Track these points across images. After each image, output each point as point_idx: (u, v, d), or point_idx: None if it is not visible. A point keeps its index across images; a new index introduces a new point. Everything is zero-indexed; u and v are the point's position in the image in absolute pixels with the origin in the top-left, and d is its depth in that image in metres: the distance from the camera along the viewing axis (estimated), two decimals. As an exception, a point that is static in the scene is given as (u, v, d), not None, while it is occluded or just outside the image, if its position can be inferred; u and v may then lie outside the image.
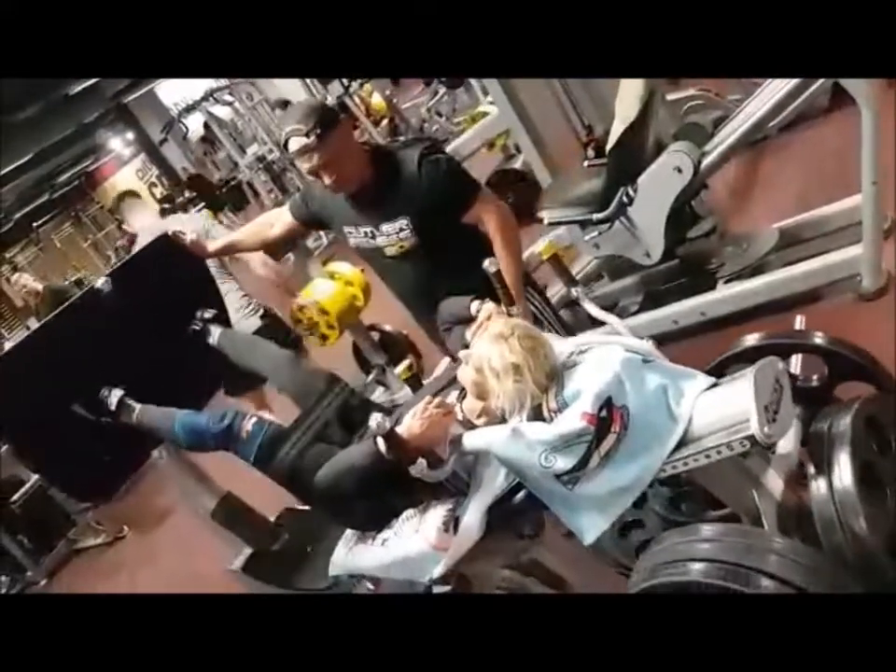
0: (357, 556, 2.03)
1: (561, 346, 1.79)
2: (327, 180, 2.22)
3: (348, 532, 2.11)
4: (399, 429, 1.75)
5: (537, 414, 1.64)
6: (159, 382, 2.35)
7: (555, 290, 3.37)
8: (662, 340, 2.13)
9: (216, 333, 2.63)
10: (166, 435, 2.31)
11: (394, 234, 2.31)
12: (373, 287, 3.65)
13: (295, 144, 2.16)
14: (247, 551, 2.47)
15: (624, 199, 2.76)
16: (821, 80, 2.80)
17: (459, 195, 2.30)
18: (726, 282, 3.00)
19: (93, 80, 10.41)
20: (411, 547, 1.84)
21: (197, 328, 2.63)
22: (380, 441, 1.73)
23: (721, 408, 1.53)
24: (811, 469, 1.49)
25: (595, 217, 2.82)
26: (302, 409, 2.28)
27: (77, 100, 11.29)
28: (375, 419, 1.71)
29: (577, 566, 1.92)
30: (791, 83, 2.67)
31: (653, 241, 2.83)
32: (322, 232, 8.52)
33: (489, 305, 1.97)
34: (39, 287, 5.50)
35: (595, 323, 2.92)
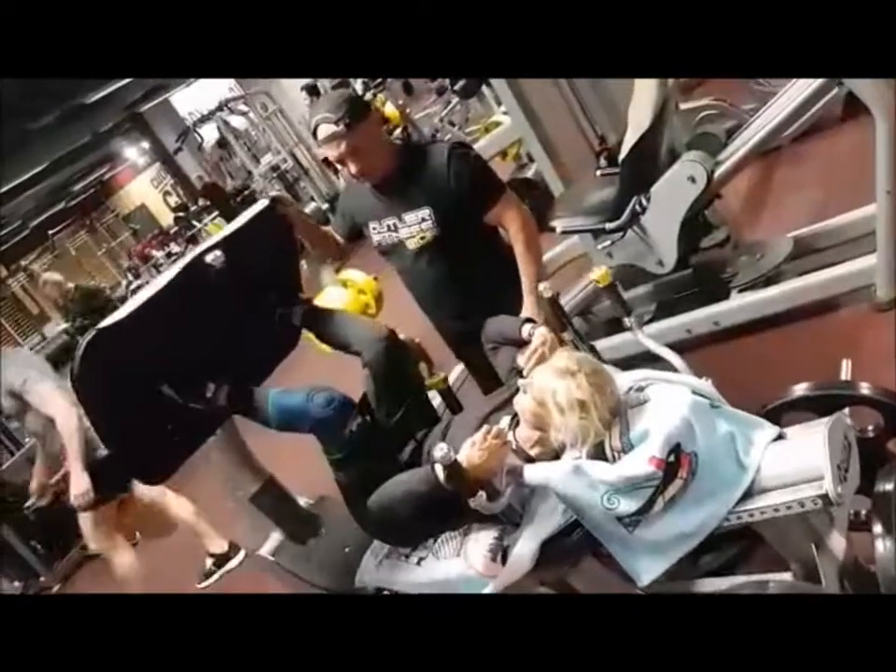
0: (387, 571, 2.01)
1: (619, 380, 1.75)
2: (352, 168, 2.25)
3: (377, 543, 2.08)
4: (458, 458, 1.68)
5: (598, 452, 1.61)
6: (241, 359, 2.19)
7: (569, 298, 3.38)
8: (675, 349, 2.12)
9: (298, 313, 2.43)
10: (258, 415, 2.13)
11: (416, 225, 2.32)
12: (386, 295, 3.66)
13: (324, 131, 2.19)
14: (276, 536, 2.38)
15: (637, 208, 2.75)
16: (835, 90, 2.80)
17: (484, 192, 2.31)
18: (740, 291, 2.99)
19: (109, 89, 10.49)
20: (451, 570, 1.83)
21: (286, 310, 2.42)
22: (439, 469, 1.68)
23: (792, 462, 1.52)
24: (876, 528, 1.45)
25: (608, 225, 2.81)
26: (378, 397, 2.18)
27: (93, 109, 11.38)
28: (441, 450, 1.63)
29: (605, 587, 1.89)
30: (804, 93, 2.66)
31: (667, 250, 2.83)
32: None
33: (543, 330, 1.90)
34: (67, 283, 5.62)
35: (612, 332, 2.92)
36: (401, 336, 3.75)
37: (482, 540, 1.81)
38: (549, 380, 1.66)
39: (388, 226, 2.38)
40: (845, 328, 2.67)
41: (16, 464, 5.47)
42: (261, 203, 2.34)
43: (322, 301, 3.53)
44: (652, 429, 1.56)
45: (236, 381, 2.13)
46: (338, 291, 3.57)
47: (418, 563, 1.92)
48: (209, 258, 2.10)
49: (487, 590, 1.77)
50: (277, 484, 2.42)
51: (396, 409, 2.17)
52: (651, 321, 3.26)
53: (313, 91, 8.09)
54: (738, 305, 2.92)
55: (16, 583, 5.20)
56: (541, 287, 2.10)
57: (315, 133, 2.27)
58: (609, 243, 2.91)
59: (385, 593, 2.07)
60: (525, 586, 1.84)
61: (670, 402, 1.62)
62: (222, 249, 2.11)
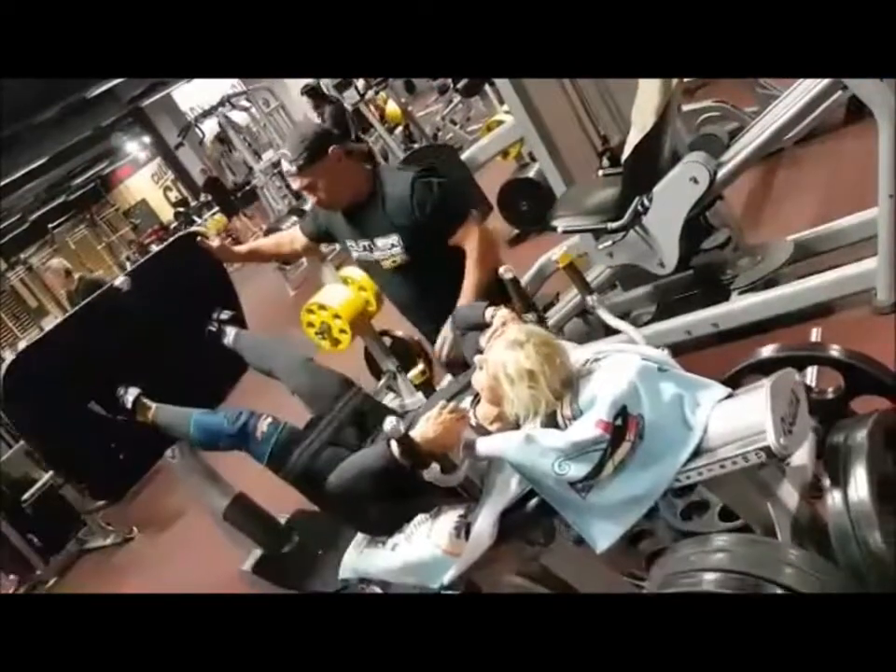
0: (367, 560, 2.04)
1: (577, 354, 1.78)
2: (311, 199, 2.54)
3: (359, 536, 2.12)
4: (413, 433, 1.75)
5: (551, 421, 1.64)
6: (174, 381, 2.37)
7: (568, 298, 3.38)
8: (675, 350, 2.12)
9: (231, 334, 2.69)
10: (181, 434, 2.33)
11: (387, 249, 2.50)
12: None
13: (285, 167, 2.46)
14: (258, 552, 2.47)
15: (639, 208, 2.75)
16: (838, 93, 2.80)
17: (445, 220, 2.45)
18: (740, 293, 2.99)
19: (111, 84, 10.49)
20: (422, 552, 1.85)
21: (213, 328, 2.69)
22: (393, 444, 1.73)
23: (736, 419, 1.52)
24: (826, 482, 1.47)
25: (610, 226, 2.81)
26: (315, 411, 2.30)
27: (94, 103, 11.39)
28: (390, 422, 1.71)
29: (586, 574, 1.91)
30: (807, 96, 2.66)
31: (668, 251, 2.83)
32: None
33: (504, 311, 1.97)
34: (72, 272, 5.69)
35: (609, 332, 2.92)
36: (399, 333, 3.78)
37: (448, 519, 1.84)
38: (500, 352, 1.70)
39: (364, 246, 2.57)
40: (845, 331, 2.67)
41: (14, 456, 5.46)
42: (175, 237, 2.70)
43: (322, 298, 3.53)
44: (599, 395, 1.58)
45: (160, 397, 2.35)
46: (338, 288, 3.57)
47: (393, 549, 1.95)
48: (118, 282, 2.43)
49: (454, 569, 1.79)
50: (246, 499, 2.55)
51: (333, 420, 2.26)
52: (650, 322, 3.26)
53: (313, 94, 8.06)
54: (738, 308, 2.92)
55: (11, 577, 5.20)
56: (501, 270, 2.18)
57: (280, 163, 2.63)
58: (610, 243, 2.91)
59: (369, 589, 2.10)
60: (501, 573, 1.87)
61: (616, 368, 1.65)
62: (131, 276, 2.46)
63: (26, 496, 5.10)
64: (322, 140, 2.44)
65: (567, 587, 1.93)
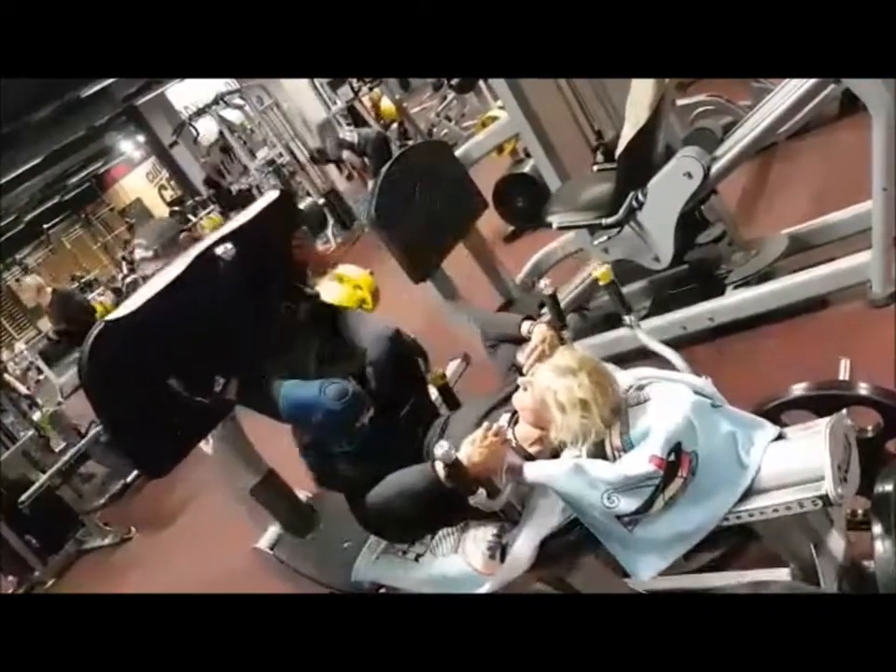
0: (383, 568, 2.01)
1: (621, 379, 1.74)
2: None
3: (373, 539, 2.08)
4: (459, 455, 1.68)
5: (598, 450, 1.60)
6: (250, 353, 2.17)
7: (565, 294, 3.38)
8: (670, 345, 2.13)
9: (305, 308, 2.41)
10: (268, 407, 2.10)
11: None
12: (382, 290, 3.67)
13: (139, 254, 2.85)
14: (274, 529, 2.38)
15: (634, 203, 2.75)
16: (831, 86, 2.80)
17: None
18: (735, 287, 3.00)
19: (105, 83, 10.46)
20: (449, 567, 1.83)
21: (292, 304, 2.40)
22: (439, 466, 1.68)
23: (793, 463, 1.51)
24: (876, 529, 1.44)
25: (605, 221, 2.81)
26: (379, 392, 2.14)
27: (88, 103, 11.35)
28: (441, 447, 1.63)
29: (599, 583, 1.90)
30: (801, 90, 2.66)
31: (663, 245, 2.83)
32: (330, 235, 8.58)
33: (542, 328, 1.92)
34: (45, 287, 5.61)
35: (605, 328, 2.92)
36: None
37: (480, 538, 1.81)
38: (550, 378, 1.66)
39: None
40: (840, 324, 2.67)
41: (11, 457, 5.45)
42: (271, 195, 2.31)
43: (318, 295, 3.53)
44: (653, 428, 1.55)
45: (245, 374, 2.11)
46: (334, 286, 3.58)
47: (416, 559, 1.92)
48: (219, 250, 2.09)
49: (485, 588, 1.77)
50: (277, 478, 2.42)
51: (399, 407, 2.15)
52: (646, 317, 3.26)
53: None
54: (734, 302, 2.92)
55: (10, 578, 5.20)
56: (541, 284, 2.11)
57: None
58: (605, 238, 2.90)
59: (382, 590, 2.08)
60: (522, 583, 1.85)
61: (671, 401, 1.61)
62: (232, 242, 2.10)
63: (24, 497, 5.09)
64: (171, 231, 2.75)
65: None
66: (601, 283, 2.11)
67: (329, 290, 3.55)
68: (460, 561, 1.81)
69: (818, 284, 2.75)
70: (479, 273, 3.19)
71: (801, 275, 2.80)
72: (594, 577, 1.86)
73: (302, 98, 9.05)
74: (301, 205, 4.93)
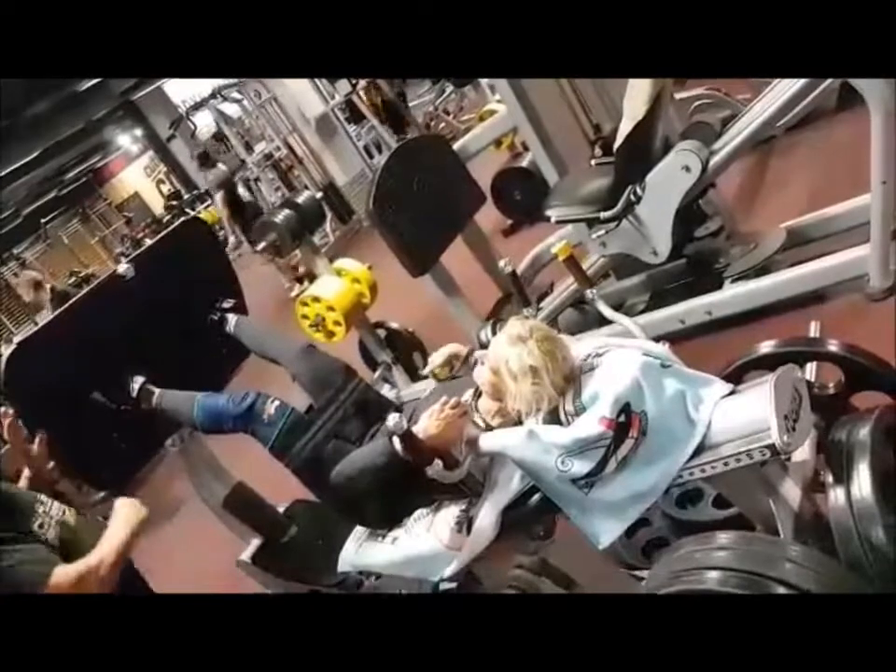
0: (366, 554, 2.04)
1: (578, 349, 1.78)
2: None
3: (358, 529, 2.12)
4: (415, 429, 1.74)
5: (553, 417, 1.63)
6: (176, 369, 2.35)
7: (562, 289, 3.38)
8: (668, 339, 2.13)
9: (232, 322, 2.66)
10: (186, 419, 2.30)
11: None
12: (380, 284, 3.66)
13: None
14: (257, 542, 2.46)
15: (632, 197, 2.75)
16: (830, 80, 2.79)
17: None
18: (733, 281, 2.99)
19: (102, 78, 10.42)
20: (422, 546, 1.85)
21: (215, 317, 2.66)
22: (396, 440, 1.73)
23: (740, 416, 1.53)
24: (829, 479, 1.47)
25: (603, 215, 2.81)
26: (316, 399, 2.29)
27: (85, 97, 11.32)
28: (393, 418, 1.70)
29: (585, 566, 1.91)
30: (799, 83, 2.66)
31: (661, 239, 2.83)
32: (328, 230, 8.56)
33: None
34: (40, 277, 5.62)
35: (605, 322, 2.93)
36: (394, 325, 3.78)
37: (449, 514, 1.85)
38: (502, 348, 1.70)
39: None
40: (838, 318, 2.67)
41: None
42: (178, 223, 2.67)
43: (317, 289, 3.53)
44: (602, 391, 1.58)
45: (162, 382, 2.32)
46: (333, 280, 3.58)
47: (393, 542, 1.96)
48: (121, 269, 2.39)
49: (455, 562, 1.80)
50: (246, 488, 2.53)
51: (336, 411, 2.25)
52: (644, 311, 3.27)
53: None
54: (731, 295, 2.92)
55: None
56: (501, 263, 2.16)
57: None
58: (603, 232, 2.91)
59: (368, 582, 2.11)
60: (501, 565, 1.87)
61: (620, 364, 1.64)
62: (133, 263, 2.41)
63: (22, 491, 5.07)
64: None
65: (565, 578, 1.94)
66: (560, 257, 2.16)
67: (328, 284, 3.55)
68: (432, 538, 1.84)
69: (816, 278, 2.75)
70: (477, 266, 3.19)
71: (799, 269, 2.80)
72: (570, 552, 1.90)
73: (301, 91, 9.01)
74: (299, 199, 4.91)
